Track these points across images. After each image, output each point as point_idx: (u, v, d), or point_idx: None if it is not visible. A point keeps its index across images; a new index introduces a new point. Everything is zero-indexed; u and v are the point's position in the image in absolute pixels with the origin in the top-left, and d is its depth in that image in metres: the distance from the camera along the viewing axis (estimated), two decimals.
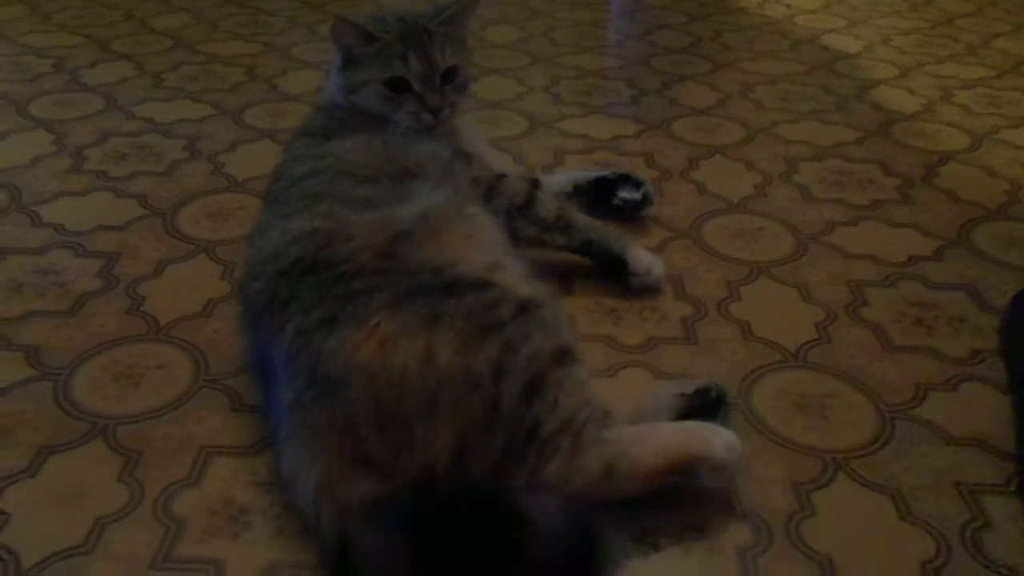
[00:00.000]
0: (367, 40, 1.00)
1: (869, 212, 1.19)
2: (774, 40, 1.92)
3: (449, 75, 1.03)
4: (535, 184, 1.14)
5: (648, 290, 1.02)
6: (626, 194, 1.17)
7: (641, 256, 1.03)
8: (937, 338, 0.95)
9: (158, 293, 1.04)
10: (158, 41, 1.86)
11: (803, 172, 1.31)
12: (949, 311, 0.99)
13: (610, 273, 1.03)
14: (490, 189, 1.00)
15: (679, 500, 0.73)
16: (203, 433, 0.82)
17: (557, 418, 0.70)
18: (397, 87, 1.01)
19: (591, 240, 1.02)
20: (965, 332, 0.96)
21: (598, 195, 1.17)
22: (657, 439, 0.72)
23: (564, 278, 1.04)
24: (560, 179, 1.19)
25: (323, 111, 1.09)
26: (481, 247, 0.85)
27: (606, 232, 1.04)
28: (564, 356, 0.74)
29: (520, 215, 1.00)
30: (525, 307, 0.76)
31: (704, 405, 0.78)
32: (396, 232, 0.81)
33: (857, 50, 1.84)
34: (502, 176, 1.03)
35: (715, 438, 0.72)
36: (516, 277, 0.84)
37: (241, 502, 0.74)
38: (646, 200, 1.16)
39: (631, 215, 1.17)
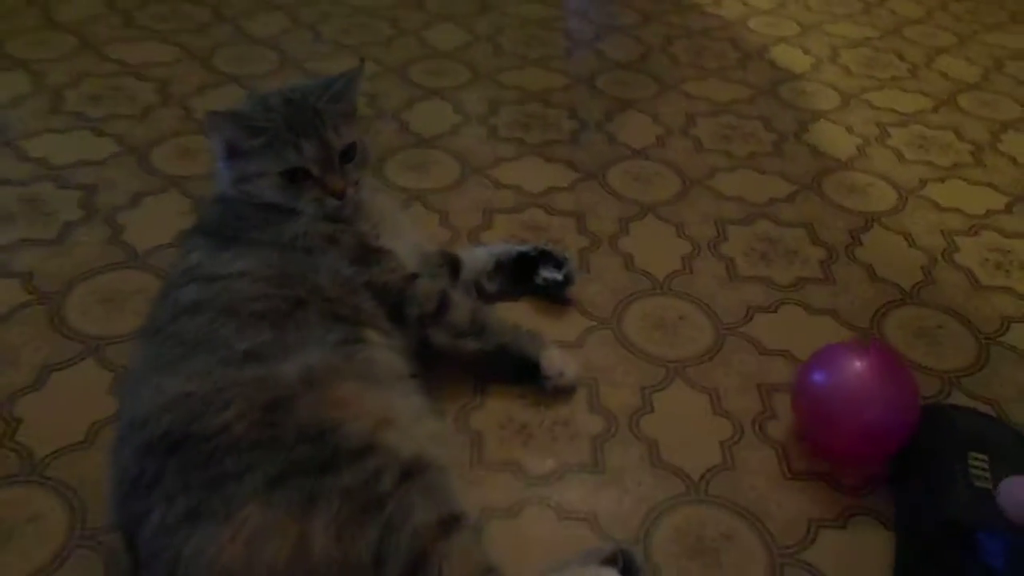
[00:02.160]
0: (252, 133, 0.91)
1: (791, 293, 1.16)
2: (723, 52, 1.80)
3: (348, 153, 0.95)
4: (454, 267, 1.09)
5: (561, 392, 0.99)
6: (548, 274, 1.11)
7: (554, 359, 0.99)
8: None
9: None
10: None
11: (732, 240, 1.26)
12: None
13: (523, 376, 0.99)
14: (399, 294, 0.95)
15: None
16: None
17: None
18: (294, 176, 0.93)
19: (505, 344, 0.98)
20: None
21: (521, 273, 1.12)
22: None
23: (477, 387, 1.00)
24: (482, 255, 1.14)
25: (219, 204, 0.99)
26: (371, 396, 0.80)
27: (519, 334, 1.00)
28: (450, 524, 0.72)
29: (432, 323, 0.95)
30: (409, 473, 0.73)
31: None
32: (275, 397, 0.76)
33: (804, 69, 1.75)
34: (412, 278, 0.97)
35: None
36: (407, 426, 0.79)
37: None
38: (568, 280, 1.11)
39: (553, 294, 1.13)
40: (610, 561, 0.77)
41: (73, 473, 0.89)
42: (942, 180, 1.42)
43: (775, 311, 1.13)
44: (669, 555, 0.83)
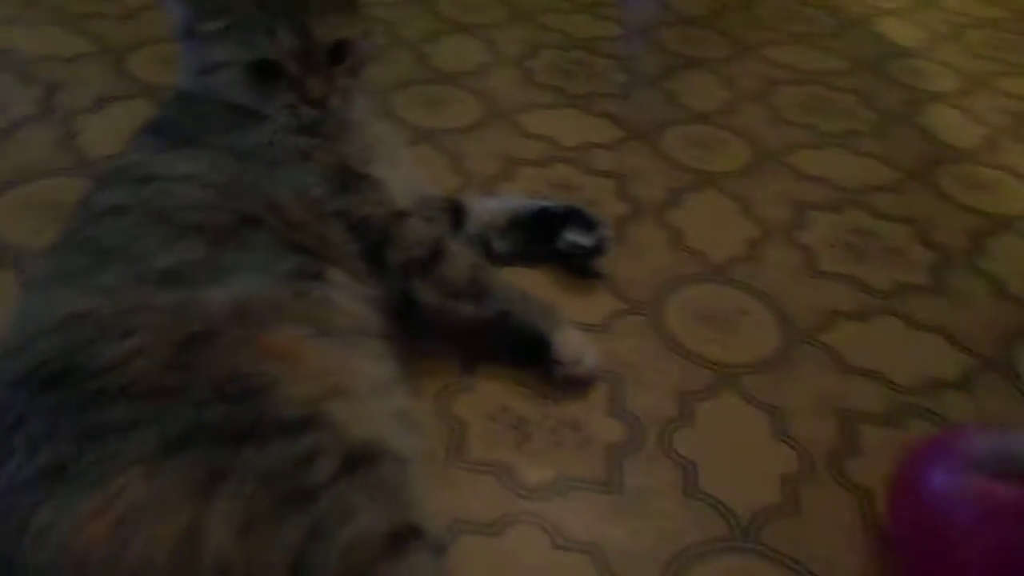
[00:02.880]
0: (211, 11, 0.75)
1: (889, 301, 0.95)
2: (818, 19, 1.60)
3: (337, 52, 0.79)
4: (458, 216, 0.92)
5: (574, 384, 0.80)
6: (575, 237, 0.93)
7: (571, 341, 0.81)
8: None
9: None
10: None
11: (813, 228, 1.05)
12: None
13: (528, 356, 0.81)
14: (382, 233, 0.78)
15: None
16: None
17: None
18: (266, 72, 0.77)
19: (510, 314, 0.80)
20: None
21: (540, 232, 0.94)
22: None
23: (467, 364, 0.82)
24: (495, 205, 0.96)
25: (177, 101, 0.84)
26: (320, 350, 0.64)
27: (529, 304, 0.81)
28: (403, 539, 0.55)
29: (420, 274, 0.78)
30: (355, 461, 0.56)
31: None
32: (192, 332, 0.59)
33: (915, 45, 1.54)
34: (402, 216, 0.80)
35: None
36: (364, 398, 0.62)
37: None
38: (599, 248, 0.93)
39: (578, 264, 0.94)
40: None
41: None
42: None
43: (865, 320, 0.93)
44: None
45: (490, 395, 0.80)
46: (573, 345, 0.81)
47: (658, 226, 1.03)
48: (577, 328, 0.83)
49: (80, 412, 0.54)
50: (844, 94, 1.35)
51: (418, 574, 0.55)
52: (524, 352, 0.81)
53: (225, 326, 0.61)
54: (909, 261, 1.01)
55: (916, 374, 0.86)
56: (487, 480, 0.72)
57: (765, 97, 1.33)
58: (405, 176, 0.87)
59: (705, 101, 1.30)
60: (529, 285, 0.89)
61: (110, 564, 0.49)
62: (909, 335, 0.91)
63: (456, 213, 0.93)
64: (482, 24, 1.45)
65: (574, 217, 0.94)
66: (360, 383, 0.64)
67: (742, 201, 1.09)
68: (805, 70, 1.41)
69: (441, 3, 1.50)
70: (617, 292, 0.93)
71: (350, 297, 0.71)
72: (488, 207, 0.95)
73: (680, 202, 1.08)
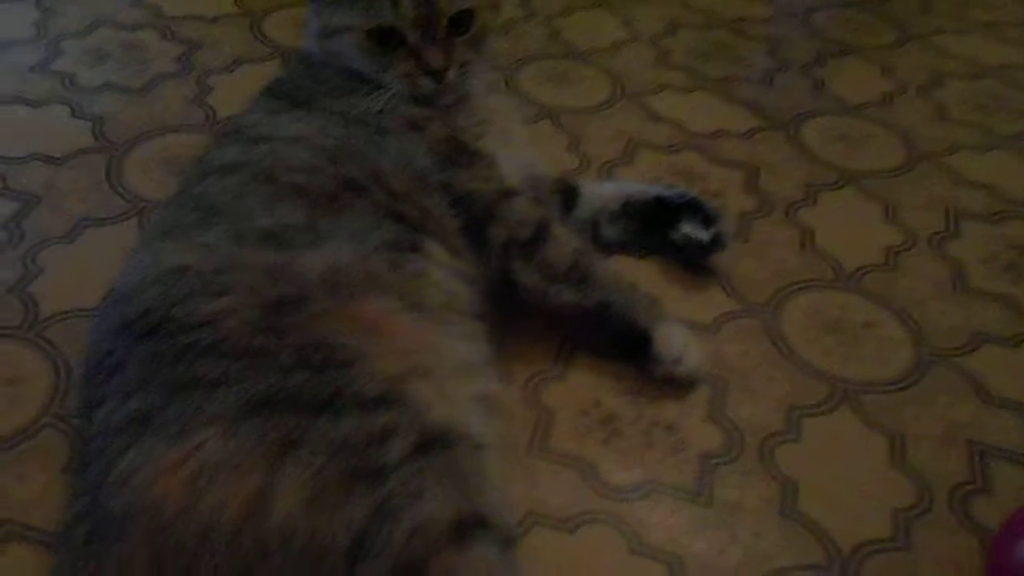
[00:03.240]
0: None
1: None
2: (1002, 5, 1.46)
3: (460, 23, 0.80)
4: (569, 199, 0.92)
5: (673, 384, 0.79)
6: (691, 230, 0.90)
7: (674, 337, 0.79)
8: None
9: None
10: None
11: (967, 239, 0.97)
12: None
13: (627, 349, 0.80)
14: (487, 210, 0.78)
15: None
16: None
17: None
18: (385, 39, 0.79)
19: (611, 303, 0.79)
20: None
21: (655, 222, 0.92)
22: None
23: (561, 353, 0.82)
24: (608, 190, 0.95)
25: (299, 64, 0.89)
26: (410, 326, 0.65)
27: (633, 296, 0.80)
28: (467, 531, 0.55)
29: (522, 255, 0.78)
30: (427, 446, 0.57)
31: None
32: (284, 295, 0.62)
33: None
34: (509, 194, 0.80)
35: None
36: (446, 379, 0.64)
37: None
38: (716, 243, 0.89)
39: (692, 259, 0.91)
40: None
41: (72, 341, 0.81)
42: None
43: (1017, 346, 0.85)
44: None
45: (583, 387, 0.80)
46: (675, 342, 0.79)
47: (787, 224, 0.98)
48: (683, 326, 0.81)
49: (171, 364, 0.58)
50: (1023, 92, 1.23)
51: (480, 567, 0.55)
52: (624, 345, 0.80)
53: (317, 292, 0.63)
54: None
55: None
56: (569, 475, 0.72)
57: (930, 91, 1.23)
58: (519, 154, 0.87)
59: (858, 92, 1.21)
60: (637, 276, 0.88)
61: (180, 516, 0.52)
62: None
63: (567, 195, 0.93)
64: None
65: (692, 208, 0.91)
66: (445, 363, 0.65)
67: (887, 204, 1.02)
68: (982, 63, 1.29)
69: None
70: (732, 291, 0.89)
71: (446, 273, 0.73)
72: (601, 191, 0.95)
73: (815, 200, 1.02)
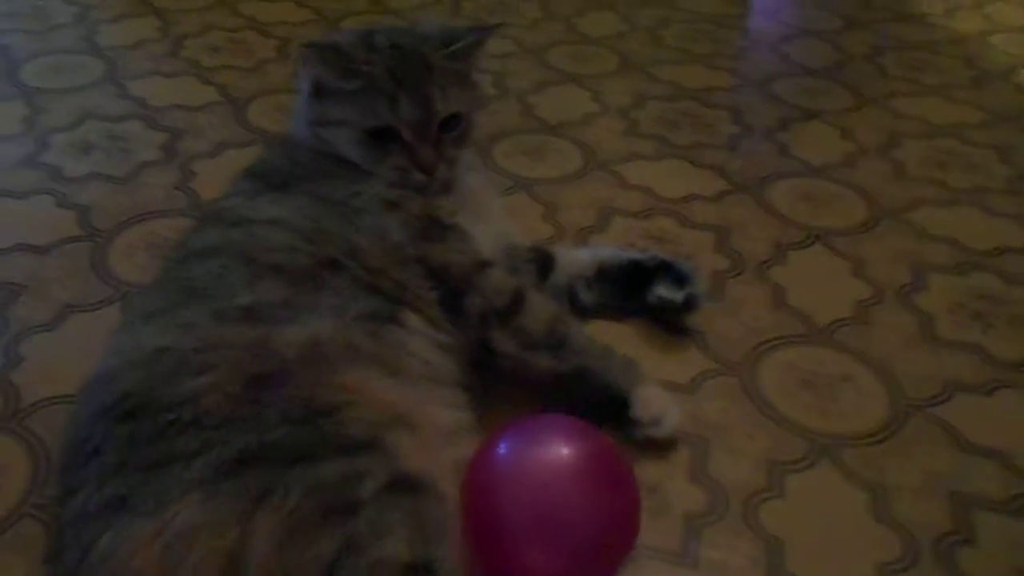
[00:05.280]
0: (346, 74, 0.82)
1: (1016, 375, 0.87)
2: (953, 69, 1.52)
3: (450, 123, 0.84)
4: (544, 266, 0.93)
5: (654, 446, 0.79)
6: (665, 291, 0.91)
7: (652, 400, 0.79)
8: None
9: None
10: None
11: (933, 292, 0.99)
12: None
13: (606, 414, 0.79)
14: (463, 281, 0.80)
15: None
16: None
17: None
18: (381, 135, 0.83)
19: (588, 368, 0.79)
20: None
21: (630, 286, 0.93)
22: None
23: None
24: (583, 255, 0.96)
25: (280, 146, 0.92)
26: (392, 391, 0.66)
27: (610, 359, 0.81)
28: (415, 574, 0.55)
29: (499, 323, 0.79)
30: (396, 485, 0.58)
31: None
32: (265, 371, 0.63)
33: None
34: (484, 265, 0.81)
35: None
36: (431, 439, 0.64)
37: None
38: (689, 304, 0.91)
39: (668, 320, 0.92)
40: None
41: (53, 429, 0.80)
42: None
43: (990, 394, 0.85)
44: None
45: None
46: (653, 404, 0.79)
47: (759, 282, 1.00)
48: (661, 387, 0.81)
49: (150, 443, 0.58)
50: (978, 148, 1.27)
51: None
52: (603, 410, 0.80)
53: (297, 366, 0.64)
54: None
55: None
56: None
57: (888, 151, 1.27)
58: (493, 227, 0.89)
59: (821, 154, 1.26)
60: (615, 339, 0.89)
61: None
62: None
63: (543, 263, 0.95)
64: (591, 75, 1.48)
65: (665, 271, 0.93)
66: (429, 424, 0.66)
67: (854, 260, 1.04)
68: (935, 123, 1.34)
69: (552, 54, 1.55)
70: (709, 351, 0.90)
71: (425, 343, 0.74)
72: (577, 257, 0.96)
73: (785, 259, 1.04)
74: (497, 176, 1.17)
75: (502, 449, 0.66)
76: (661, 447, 0.79)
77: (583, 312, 0.93)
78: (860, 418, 0.83)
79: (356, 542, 0.54)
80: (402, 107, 0.81)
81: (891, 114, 1.37)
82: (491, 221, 0.90)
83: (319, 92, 0.85)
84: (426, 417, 0.66)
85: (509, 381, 0.81)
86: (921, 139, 1.30)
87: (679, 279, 0.92)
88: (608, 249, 0.99)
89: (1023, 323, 0.95)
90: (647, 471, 0.77)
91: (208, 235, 0.78)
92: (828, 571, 0.69)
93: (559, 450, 0.65)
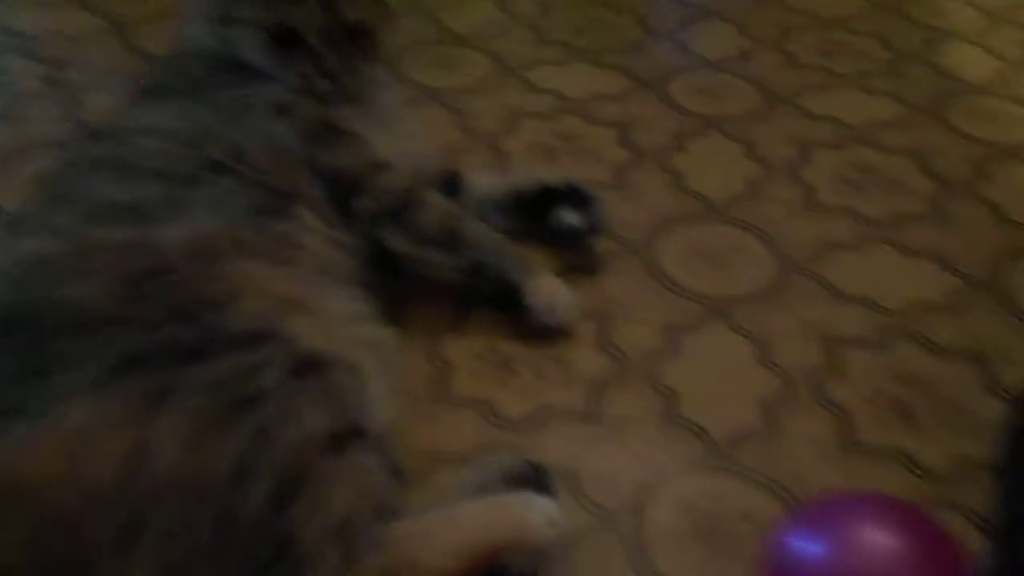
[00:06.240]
0: None
1: (885, 231, 0.96)
2: None
3: (357, 32, 0.83)
4: (452, 184, 0.93)
5: (550, 333, 0.83)
6: (567, 217, 0.91)
7: (543, 290, 0.83)
8: None
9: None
10: None
11: (817, 165, 1.06)
12: None
13: (504, 305, 0.83)
14: (353, 184, 0.80)
15: None
16: None
17: (322, 524, 0.55)
18: (284, 39, 0.81)
19: (484, 263, 0.82)
20: None
21: (536, 209, 0.93)
22: (454, 532, 0.59)
23: (460, 309, 0.87)
24: (498, 184, 0.95)
25: (169, 59, 0.88)
26: (284, 280, 0.66)
27: (504, 251, 0.84)
28: (345, 439, 0.58)
29: (391, 222, 0.80)
30: (301, 369, 0.59)
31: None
32: (148, 267, 0.62)
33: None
34: (380, 167, 0.82)
35: (530, 514, 0.60)
36: (328, 321, 0.65)
37: None
38: (593, 230, 0.91)
39: (570, 245, 0.93)
40: (516, 479, 0.65)
41: None
42: None
43: (860, 249, 0.94)
44: (669, 533, 0.68)
45: (480, 337, 0.84)
46: (546, 294, 0.83)
47: (659, 171, 1.06)
48: (554, 277, 0.84)
49: (31, 352, 0.56)
50: (861, 37, 1.34)
51: (357, 472, 0.58)
52: (503, 301, 0.84)
53: (181, 262, 0.62)
54: (909, 192, 1.02)
55: (906, 298, 0.87)
56: (469, 415, 0.77)
57: (782, 43, 1.32)
58: (404, 146, 0.87)
59: (719, 49, 1.30)
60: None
61: (57, 486, 0.51)
62: (903, 262, 0.92)
63: (451, 182, 0.93)
64: None
65: (571, 194, 0.92)
66: (325, 309, 0.66)
67: (747, 144, 1.10)
68: (823, 16, 1.40)
69: None
70: (612, 235, 0.96)
71: (319, 239, 0.73)
72: (494, 183, 0.95)
73: (684, 146, 1.10)
74: (409, 89, 1.19)
75: (811, 548, 0.60)
76: (558, 333, 0.83)
77: None
78: (749, 281, 0.90)
79: (266, 430, 0.55)
80: (308, 5, 0.80)
81: (784, 9, 1.42)
82: (401, 139, 0.88)
83: None
84: (321, 304, 0.67)
85: (412, 280, 0.83)
86: (811, 31, 1.36)
87: (583, 201, 0.91)
88: (521, 175, 0.97)
89: (893, 185, 1.03)
90: (557, 345, 0.83)
91: (82, 147, 0.77)
92: (718, 412, 0.77)
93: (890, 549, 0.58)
